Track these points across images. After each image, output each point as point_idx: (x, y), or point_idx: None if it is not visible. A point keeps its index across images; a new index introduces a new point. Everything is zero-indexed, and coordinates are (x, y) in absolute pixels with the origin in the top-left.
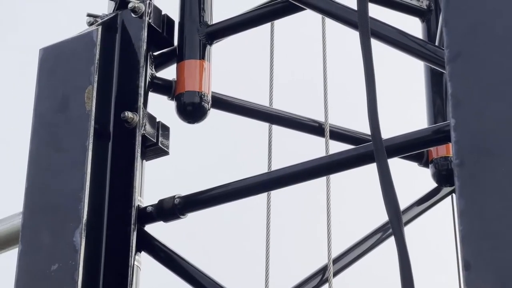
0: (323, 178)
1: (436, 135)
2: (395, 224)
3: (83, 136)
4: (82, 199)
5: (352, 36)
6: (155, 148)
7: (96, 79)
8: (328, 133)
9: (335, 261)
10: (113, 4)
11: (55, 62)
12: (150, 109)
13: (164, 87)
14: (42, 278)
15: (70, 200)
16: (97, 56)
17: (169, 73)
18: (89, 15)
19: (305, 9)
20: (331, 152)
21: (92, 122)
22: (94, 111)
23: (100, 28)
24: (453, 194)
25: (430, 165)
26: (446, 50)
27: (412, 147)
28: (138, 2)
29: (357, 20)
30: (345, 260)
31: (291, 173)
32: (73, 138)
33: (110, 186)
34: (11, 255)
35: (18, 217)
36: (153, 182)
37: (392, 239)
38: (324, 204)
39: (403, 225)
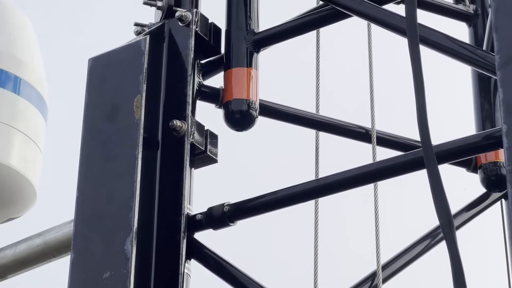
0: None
1: (486, 141)
2: (447, 230)
3: (132, 145)
4: (132, 207)
5: (400, 42)
6: (203, 156)
7: (145, 88)
8: (375, 139)
9: (384, 267)
10: (160, 13)
11: (104, 71)
12: (198, 117)
13: (211, 95)
14: (94, 286)
15: (120, 209)
16: (146, 65)
17: (216, 81)
18: (136, 24)
19: (351, 16)
20: (378, 158)
21: (141, 131)
22: (143, 120)
23: (148, 37)
24: (503, 200)
25: (478, 171)
26: (496, 56)
27: (462, 153)
28: (185, 10)
29: (405, 26)
30: (394, 266)
31: (340, 179)
32: (123, 147)
33: (159, 194)
34: (63, 263)
35: (69, 225)
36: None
37: (440, 246)
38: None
39: (455, 232)
